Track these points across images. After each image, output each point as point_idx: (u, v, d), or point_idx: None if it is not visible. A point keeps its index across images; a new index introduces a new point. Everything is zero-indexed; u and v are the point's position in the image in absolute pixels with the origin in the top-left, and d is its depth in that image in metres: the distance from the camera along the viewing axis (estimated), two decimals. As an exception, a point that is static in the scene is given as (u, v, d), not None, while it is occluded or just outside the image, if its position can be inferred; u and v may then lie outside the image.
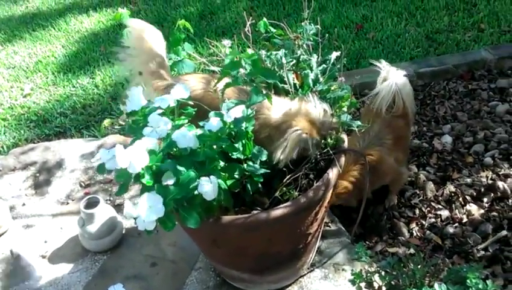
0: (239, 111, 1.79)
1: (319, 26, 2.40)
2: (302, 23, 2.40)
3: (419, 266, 1.58)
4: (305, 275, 2.37)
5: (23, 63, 4.64)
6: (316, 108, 2.02)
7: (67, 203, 2.95)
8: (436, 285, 1.44)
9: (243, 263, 2.17)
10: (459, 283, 1.54)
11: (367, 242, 2.67)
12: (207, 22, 4.91)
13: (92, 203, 2.56)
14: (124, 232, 2.68)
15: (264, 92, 1.85)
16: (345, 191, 2.50)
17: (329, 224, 2.63)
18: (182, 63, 2.78)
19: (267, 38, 2.51)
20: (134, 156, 1.55)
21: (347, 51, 4.14)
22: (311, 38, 2.37)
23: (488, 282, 1.51)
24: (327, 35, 4.29)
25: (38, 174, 3.19)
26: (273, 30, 2.52)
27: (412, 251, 2.55)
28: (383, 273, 1.62)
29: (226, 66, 1.78)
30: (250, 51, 2.39)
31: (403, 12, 4.61)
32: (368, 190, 2.41)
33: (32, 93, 4.19)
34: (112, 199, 2.90)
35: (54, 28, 5.14)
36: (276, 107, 2.03)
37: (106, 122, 3.66)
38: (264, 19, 2.55)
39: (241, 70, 1.78)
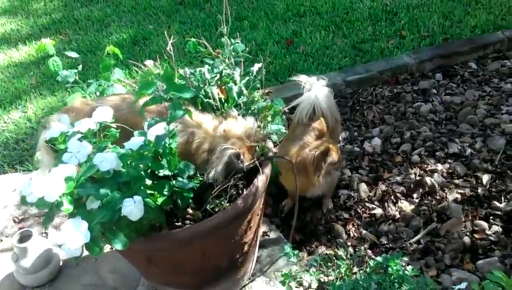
0: (160, 128, 1.81)
1: (239, 42, 2.46)
2: (222, 39, 2.46)
3: (344, 261, 1.64)
4: (247, 285, 2.39)
5: (-50, 103, 4.47)
6: (241, 123, 2.07)
7: (1, 240, 2.85)
8: (358, 276, 1.50)
9: (182, 280, 2.17)
10: (381, 272, 1.60)
11: (307, 248, 2.72)
12: (140, 47, 4.92)
13: (25, 237, 2.49)
14: (61, 264, 2.61)
15: (186, 107, 1.89)
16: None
17: (268, 233, 2.67)
18: (111, 88, 2.78)
19: (200, 57, 2.56)
20: (50, 185, 1.54)
21: (279, 65, 4.26)
22: (233, 54, 2.43)
23: (408, 268, 1.59)
24: (259, 51, 4.48)
25: (-31, 214, 3.07)
26: (202, 50, 2.58)
27: (350, 251, 2.62)
28: (311, 271, 1.67)
29: (140, 86, 1.80)
30: (181, 70, 2.44)
31: (329, 25, 4.79)
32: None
33: (-39, 133, 4.04)
34: (47, 231, 2.83)
35: (-18, 64, 5.00)
36: (206, 127, 2.07)
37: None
38: (193, 39, 2.61)
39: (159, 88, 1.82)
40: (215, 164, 1.94)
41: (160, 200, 1.88)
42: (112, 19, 5.51)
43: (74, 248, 1.62)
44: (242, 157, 1.95)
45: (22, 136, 3.91)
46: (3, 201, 3.11)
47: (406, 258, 2.20)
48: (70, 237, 1.61)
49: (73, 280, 2.55)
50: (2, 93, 4.48)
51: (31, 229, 2.54)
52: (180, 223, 2.02)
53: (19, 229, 2.86)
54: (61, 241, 1.62)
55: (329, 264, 1.65)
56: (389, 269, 1.57)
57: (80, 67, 2.90)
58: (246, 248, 2.18)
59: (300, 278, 1.66)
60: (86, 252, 1.71)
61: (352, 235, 2.75)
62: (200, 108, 2.28)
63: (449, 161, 3.10)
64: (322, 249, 2.68)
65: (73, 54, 2.88)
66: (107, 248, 1.79)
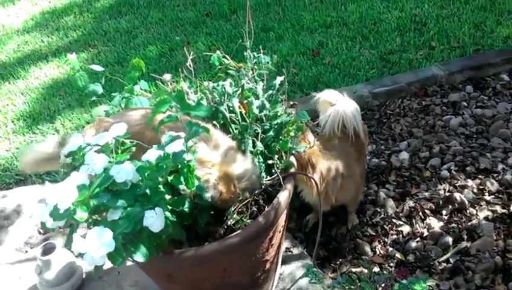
0: (179, 144, 1.79)
1: (261, 54, 2.44)
2: (245, 53, 2.44)
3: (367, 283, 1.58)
4: (268, 303, 2.34)
5: (-18, 114, 4.58)
6: (238, 164, 1.97)
7: (26, 251, 2.88)
8: (382, 300, 1.43)
9: (202, 297, 2.14)
10: (407, 296, 1.54)
11: (332, 264, 2.66)
12: (167, 58, 4.95)
13: (48, 250, 2.50)
14: (84, 276, 2.61)
15: (204, 124, 1.86)
16: None
17: (292, 249, 2.62)
18: (135, 100, 2.79)
19: (225, 70, 2.55)
20: (63, 192, 1.54)
21: (305, 77, 4.22)
22: (255, 67, 2.41)
23: (435, 293, 1.52)
24: (285, 62, 4.46)
25: (-5, 224, 3.11)
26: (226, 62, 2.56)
27: (376, 269, 2.55)
28: (333, 293, 1.62)
29: (155, 105, 1.79)
30: (205, 83, 2.43)
31: (356, 36, 4.73)
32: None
33: (-9, 143, 4.13)
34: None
35: (13, 76, 5.10)
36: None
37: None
38: (218, 52, 2.60)
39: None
40: None
41: (180, 215, 1.86)
42: (139, 31, 5.57)
43: (98, 256, 1.61)
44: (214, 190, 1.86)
45: (50, 147, 3.97)
46: (29, 212, 3.15)
47: (431, 282, 2.11)
48: (94, 245, 1.60)
49: (95, 293, 2.55)
50: (31, 105, 4.56)
51: (55, 242, 2.55)
52: (200, 240, 1.99)
53: (43, 240, 2.88)
54: (85, 249, 1.61)
55: (352, 287, 1.59)
56: (415, 293, 1.50)
57: (103, 80, 2.92)
58: (267, 265, 2.14)
59: (322, 300, 1.61)
60: (107, 265, 1.70)
61: (378, 252, 2.67)
62: (221, 122, 2.25)
63: (480, 176, 3.00)
64: (347, 267, 2.62)
65: (98, 68, 2.89)
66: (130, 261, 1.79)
